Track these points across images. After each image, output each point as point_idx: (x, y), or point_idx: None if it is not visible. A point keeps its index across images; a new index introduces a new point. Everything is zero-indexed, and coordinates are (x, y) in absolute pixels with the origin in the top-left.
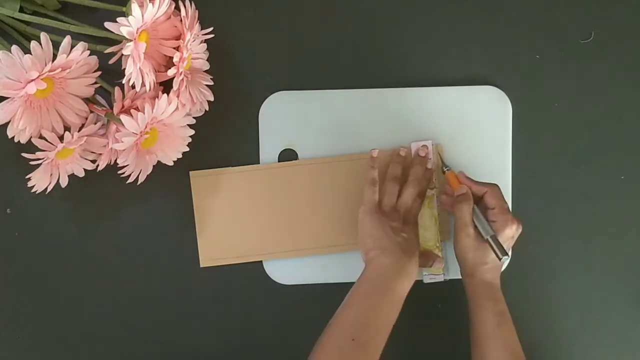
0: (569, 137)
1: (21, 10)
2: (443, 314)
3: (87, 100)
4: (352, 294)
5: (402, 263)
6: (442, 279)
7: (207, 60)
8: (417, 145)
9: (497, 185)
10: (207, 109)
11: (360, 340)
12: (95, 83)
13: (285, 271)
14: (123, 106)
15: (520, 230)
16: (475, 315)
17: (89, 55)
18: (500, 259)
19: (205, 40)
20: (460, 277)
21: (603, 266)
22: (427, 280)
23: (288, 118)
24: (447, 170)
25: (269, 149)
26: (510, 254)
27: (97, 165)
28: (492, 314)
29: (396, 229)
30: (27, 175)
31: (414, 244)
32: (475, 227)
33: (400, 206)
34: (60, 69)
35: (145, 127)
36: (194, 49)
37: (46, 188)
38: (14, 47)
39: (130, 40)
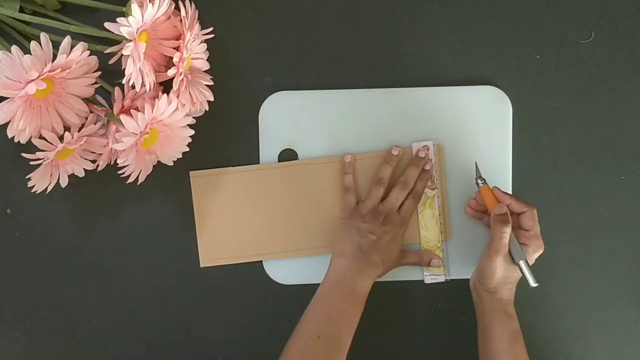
0: (569, 137)
1: (21, 10)
2: (443, 314)
3: (87, 100)
4: (316, 295)
5: (358, 262)
6: (443, 279)
7: (207, 60)
8: (418, 146)
9: (535, 207)
10: (207, 109)
11: (325, 337)
12: (95, 83)
13: (285, 271)
14: (123, 106)
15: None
16: (488, 329)
17: (89, 55)
18: (530, 286)
19: (205, 40)
20: (462, 277)
21: (603, 266)
22: (428, 280)
23: (288, 118)
24: (483, 184)
25: (268, 149)
26: None
27: (97, 165)
28: (508, 331)
29: (364, 229)
30: (27, 175)
31: (383, 244)
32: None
33: (384, 207)
34: (60, 69)
35: (145, 127)
36: (194, 49)
37: (46, 188)
38: (14, 47)
39: (130, 41)
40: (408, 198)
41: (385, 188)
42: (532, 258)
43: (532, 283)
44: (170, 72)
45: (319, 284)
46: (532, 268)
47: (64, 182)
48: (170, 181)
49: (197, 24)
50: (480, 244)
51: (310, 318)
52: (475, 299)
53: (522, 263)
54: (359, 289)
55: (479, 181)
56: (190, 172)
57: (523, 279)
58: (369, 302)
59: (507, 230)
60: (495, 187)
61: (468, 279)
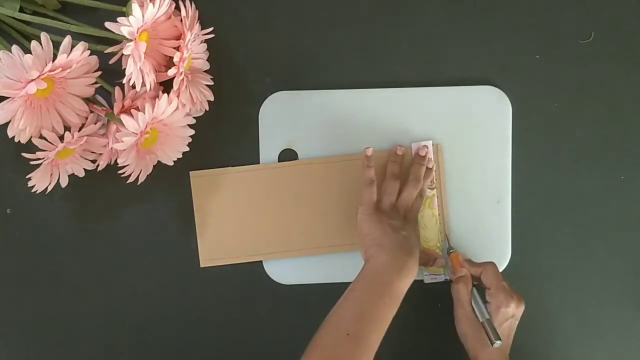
0: (569, 137)
1: (21, 10)
2: (443, 313)
3: (87, 100)
4: (349, 290)
5: (401, 261)
6: (443, 279)
7: (207, 60)
8: (417, 146)
9: (492, 264)
10: (207, 109)
11: (354, 335)
12: (96, 83)
13: (285, 271)
14: (123, 106)
15: (522, 308)
16: None
17: (89, 55)
18: (492, 344)
19: (205, 40)
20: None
21: (603, 266)
22: (427, 280)
23: (288, 118)
24: (452, 252)
25: (269, 149)
26: (513, 333)
27: (97, 165)
28: None
29: (396, 227)
30: (27, 175)
31: (414, 242)
32: (473, 309)
33: (401, 205)
34: (60, 69)
35: (146, 127)
36: (194, 49)
37: (46, 188)
38: (14, 47)
39: (131, 40)
40: (416, 196)
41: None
42: (503, 314)
43: (493, 340)
44: (171, 72)
45: (319, 284)
46: (529, 262)
47: (64, 182)
48: (170, 181)
49: (197, 24)
50: (479, 244)
51: (340, 314)
52: None
53: (484, 322)
54: (398, 287)
55: (450, 250)
56: (190, 172)
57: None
58: None
59: (462, 291)
60: (456, 253)
61: None
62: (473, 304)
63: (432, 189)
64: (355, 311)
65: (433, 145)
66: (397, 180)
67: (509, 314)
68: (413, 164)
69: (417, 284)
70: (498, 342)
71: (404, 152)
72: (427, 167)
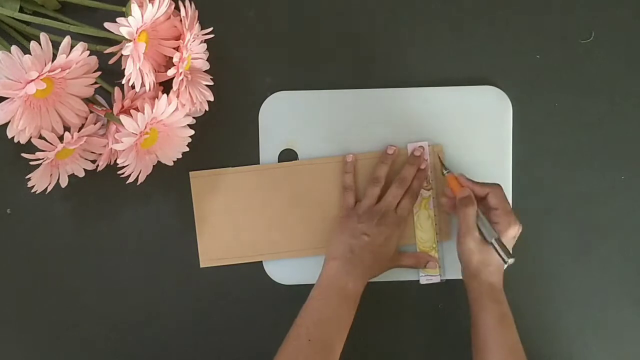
0: (569, 137)
1: (21, 10)
2: (443, 313)
3: (87, 101)
4: (308, 298)
5: (349, 264)
6: (439, 280)
7: (207, 60)
8: (413, 146)
9: (499, 186)
10: (207, 109)
11: (315, 340)
12: (95, 83)
13: (285, 271)
14: (123, 106)
15: (520, 230)
16: (477, 316)
17: (89, 55)
18: (505, 262)
19: (205, 40)
20: (458, 277)
21: (603, 266)
22: (423, 281)
23: (288, 118)
24: (447, 173)
25: (268, 149)
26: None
27: (97, 165)
28: (495, 315)
29: (358, 230)
30: (27, 175)
31: (376, 245)
32: (479, 229)
33: (381, 206)
34: (60, 69)
35: (145, 127)
36: (194, 49)
37: (46, 188)
38: (14, 47)
39: (130, 41)
40: (405, 197)
41: (382, 187)
42: (507, 235)
43: (506, 259)
44: (170, 72)
45: None
46: (529, 262)
47: (64, 182)
48: (170, 181)
49: (197, 24)
50: None
51: (300, 321)
52: (467, 291)
53: (494, 241)
54: (350, 291)
55: (444, 171)
56: (190, 172)
57: (499, 255)
58: (364, 302)
59: (471, 212)
60: (460, 174)
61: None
62: (479, 224)
63: (428, 189)
64: (313, 317)
65: (429, 146)
66: (378, 184)
67: (512, 236)
68: (405, 164)
69: (413, 285)
70: (511, 259)
71: (395, 151)
72: (420, 168)
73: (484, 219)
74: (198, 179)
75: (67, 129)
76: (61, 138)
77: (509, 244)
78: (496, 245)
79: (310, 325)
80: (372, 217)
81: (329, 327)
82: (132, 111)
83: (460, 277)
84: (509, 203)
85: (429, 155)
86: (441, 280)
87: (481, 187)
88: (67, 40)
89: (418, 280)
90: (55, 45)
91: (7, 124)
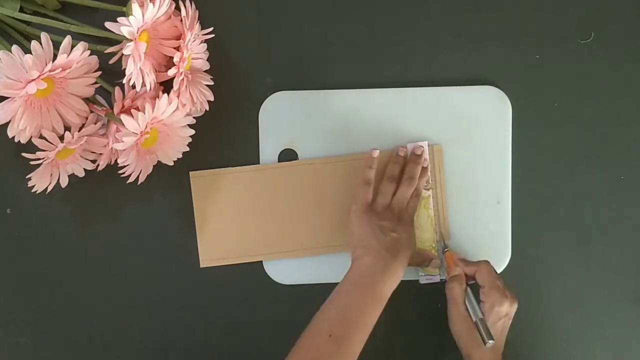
0: (569, 137)
1: (21, 10)
2: (443, 314)
3: (88, 100)
4: (335, 291)
5: (385, 262)
6: (439, 279)
7: (207, 60)
8: (413, 146)
9: (486, 263)
10: (207, 109)
11: (336, 336)
12: (96, 83)
13: (285, 271)
14: (123, 106)
15: (515, 307)
16: None
17: (89, 55)
18: (485, 343)
19: (205, 40)
20: None
21: (603, 266)
22: (423, 280)
23: (288, 118)
24: (447, 251)
25: (269, 149)
26: (506, 332)
27: (97, 165)
28: None
29: (385, 228)
30: (27, 175)
31: (403, 244)
32: (466, 308)
33: (395, 205)
34: (60, 69)
35: (146, 127)
36: (194, 49)
37: (46, 188)
38: (15, 47)
39: (131, 40)
40: (412, 196)
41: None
42: (495, 313)
43: (486, 340)
44: (171, 72)
45: (319, 284)
46: (529, 262)
47: (64, 182)
48: (170, 181)
49: (198, 24)
50: (479, 244)
51: (324, 315)
52: None
53: (477, 321)
54: (381, 289)
55: (445, 249)
56: (190, 172)
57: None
58: None
59: (458, 291)
60: (455, 252)
61: None
62: (467, 303)
63: (428, 189)
64: (338, 313)
65: (429, 145)
66: (393, 182)
67: (502, 313)
68: (408, 162)
69: (412, 284)
70: (491, 341)
71: (405, 153)
72: (422, 167)
73: (471, 298)
74: (198, 179)
75: (67, 128)
76: (61, 138)
77: (501, 321)
78: (479, 325)
79: (334, 320)
80: (393, 215)
81: (352, 325)
82: (132, 111)
83: None
84: (498, 279)
85: (428, 154)
86: (441, 279)
87: (469, 266)
88: (67, 40)
89: (417, 280)
90: (56, 45)
91: (7, 123)
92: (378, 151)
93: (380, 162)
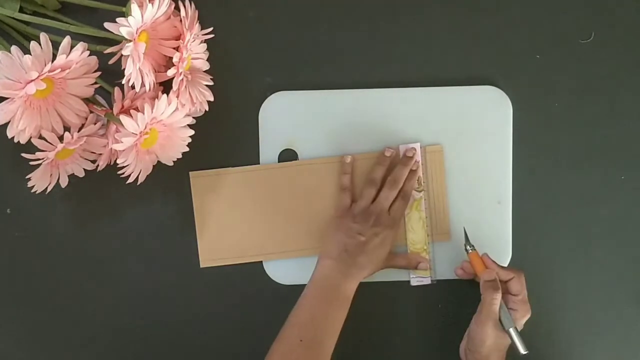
0: (569, 137)
1: (21, 10)
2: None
3: (87, 101)
4: (301, 296)
5: (345, 265)
6: (430, 282)
7: (207, 60)
8: (405, 148)
9: (522, 272)
10: (207, 109)
11: (307, 340)
12: (95, 83)
13: (285, 271)
14: (123, 106)
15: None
16: None
17: (89, 55)
18: (522, 353)
19: (205, 40)
20: (449, 278)
21: (603, 266)
22: (414, 282)
23: (288, 118)
24: (471, 250)
25: (268, 149)
26: None
27: (97, 165)
28: None
29: (354, 230)
30: (27, 175)
31: (373, 246)
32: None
33: (374, 208)
34: (60, 69)
35: (145, 127)
36: (193, 49)
37: (46, 188)
38: (14, 48)
39: (130, 41)
40: (397, 199)
41: (379, 189)
42: (521, 323)
43: (522, 351)
44: (170, 72)
45: None
46: (529, 262)
47: (64, 182)
48: (170, 181)
49: (197, 24)
50: (479, 244)
51: (293, 321)
52: None
53: (511, 330)
54: (343, 291)
55: (468, 247)
56: (190, 172)
57: (513, 345)
58: (354, 303)
59: (497, 297)
60: (485, 254)
61: (454, 280)
62: (500, 310)
63: (420, 191)
64: (306, 316)
65: (421, 147)
66: (375, 185)
67: (523, 322)
68: (397, 164)
69: (403, 285)
70: (526, 351)
71: (392, 153)
72: (412, 170)
73: (503, 305)
74: (198, 179)
75: (67, 129)
76: (61, 138)
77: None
78: (513, 335)
79: (302, 325)
80: (368, 218)
81: (320, 327)
82: (132, 111)
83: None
84: (526, 290)
85: (420, 156)
86: (432, 281)
87: (506, 271)
88: (67, 40)
89: (409, 281)
90: (55, 46)
91: (7, 124)
92: (350, 157)
93: (368, 162)
